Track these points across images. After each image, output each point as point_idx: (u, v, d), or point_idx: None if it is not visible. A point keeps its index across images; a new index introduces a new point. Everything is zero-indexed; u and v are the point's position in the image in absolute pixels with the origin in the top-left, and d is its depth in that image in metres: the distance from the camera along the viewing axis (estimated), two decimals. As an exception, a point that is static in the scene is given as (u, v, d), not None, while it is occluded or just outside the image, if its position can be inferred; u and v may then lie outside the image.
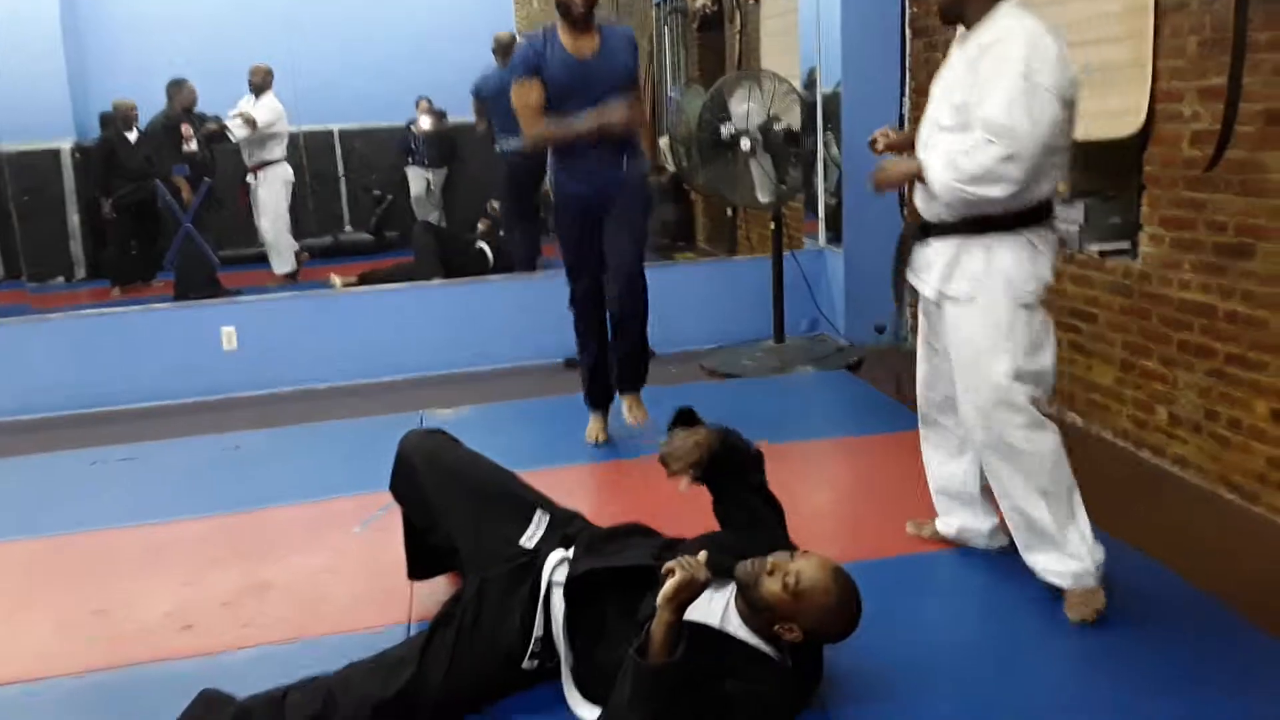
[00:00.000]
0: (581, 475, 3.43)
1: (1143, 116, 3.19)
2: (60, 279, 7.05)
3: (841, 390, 4.30)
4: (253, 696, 1.99)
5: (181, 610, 2.57)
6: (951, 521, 2.73)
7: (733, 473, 2.20)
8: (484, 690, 2.02)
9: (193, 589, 2.69)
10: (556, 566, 2.06)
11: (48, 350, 4.66)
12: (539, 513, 2.22)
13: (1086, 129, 3.45)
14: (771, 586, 1.86)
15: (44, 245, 6.83)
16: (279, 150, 6.87)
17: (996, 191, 2.22)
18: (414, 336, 4.87)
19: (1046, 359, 2.34)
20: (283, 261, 6.97)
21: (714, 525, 2.23)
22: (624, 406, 3.70)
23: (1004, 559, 2.60)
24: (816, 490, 3.31)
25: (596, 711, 1.91)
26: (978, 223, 2.31)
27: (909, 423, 3.70)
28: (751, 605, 1.90)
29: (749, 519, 2.17)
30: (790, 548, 1.99)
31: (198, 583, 2.73)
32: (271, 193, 6.88)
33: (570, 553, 2.08)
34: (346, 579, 2.71)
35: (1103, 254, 3.50)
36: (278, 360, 4.73)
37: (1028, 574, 2.44)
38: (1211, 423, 3.04)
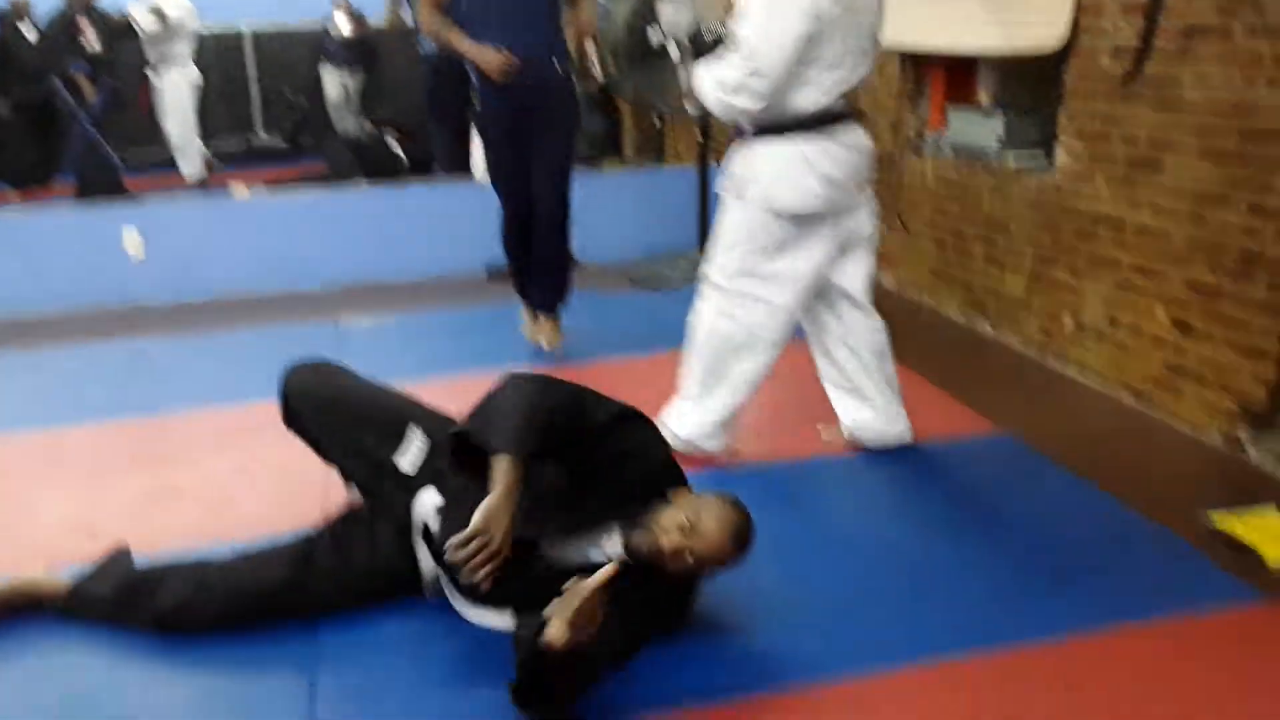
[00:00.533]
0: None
1: (1064, 30, 3.20)
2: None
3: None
4: (140, 570, 2.01)
5: (86, 516, 2.51)
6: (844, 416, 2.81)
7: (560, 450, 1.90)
8: (366, 600, 2.00)
9: (98, 495, 2.63)
10: (429, 513, 1.94)
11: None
12: (410, 428, 2.07)
13: (1007, 42, 3.50)
14: (669, 551, 1.76)
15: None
16: (185, 50, 6.55)
17: (744, 102, 2.38)
18: (330, 245, 4.74)
19: (781, 271, 2.51)
20: (190, 166, 6.71)
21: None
22: (537, 327, 3.66)
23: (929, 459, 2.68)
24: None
25: (490, 615, 1.86)
26: (758, 130, 2.48)
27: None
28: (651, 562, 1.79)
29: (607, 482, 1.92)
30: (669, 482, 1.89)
31: (103, 488, 2.66)
32: (177, 95, 6.58)
33: (440, 499, 1.94)
34: (259, 484, 2.67)
35: (1019, 166, 3.55)
36: (185, 268, 4.57)
37: (941, 472, 2.56)
38: (1114, 329, 3.14)
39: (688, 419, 2.68)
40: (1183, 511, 2.37)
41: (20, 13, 6.32)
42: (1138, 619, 1.95)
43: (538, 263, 3.58)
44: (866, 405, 2.76)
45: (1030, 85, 3.82)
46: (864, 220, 2.63)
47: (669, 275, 4.68)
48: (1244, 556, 2.19)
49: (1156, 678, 1.80)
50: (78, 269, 4.48)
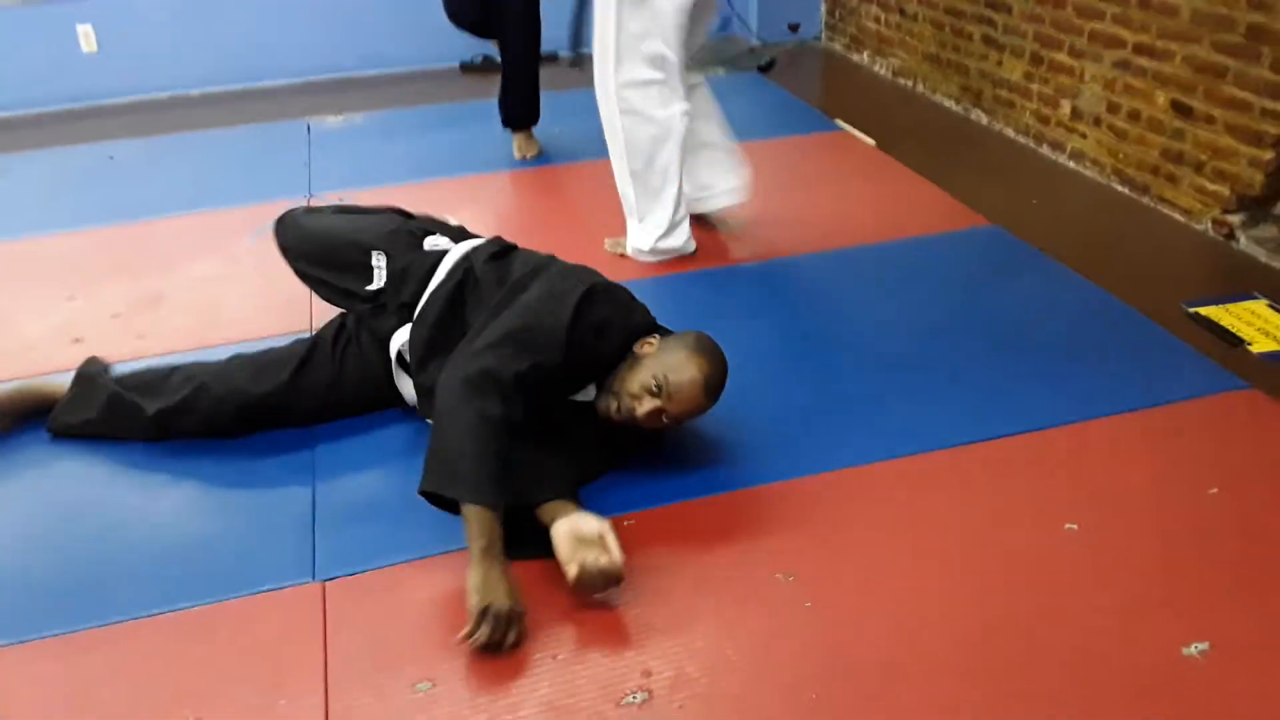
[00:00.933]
0: (500, 182, 3.32)
1: None
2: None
3: (753, 92, 4.16)
4: (133, 374, 2.01)
5: (70, 323, 2.49)
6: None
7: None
8: (358, 406, 2.02)
9: (80, 302, 2.59)
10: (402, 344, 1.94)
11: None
12: (374, 255, 2.00)
13: None
14: (643, 416, 1.72)
15: None
16: None
17: None
18: (295, 36, 4.48)
19: (651, 38, 2.43)
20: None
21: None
22: (514, 141, 3.50)
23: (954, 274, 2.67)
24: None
25: None
26: None
27: (822, 124, 3.67)
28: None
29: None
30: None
31: (85, 296, 2.62)
32: None
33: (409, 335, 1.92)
34: (243, 288, 2.63)
35: (1024, -61, 3.34)
36: (144, 62, 4.33)
37: (928, 264, 2.55)
38: (1111, 115, 3.05)
39: (648, 230, 2.64)
40: (1170, 301, 2.38)
41: None
42: (1121, 410, 1.98)
43: (506, 79, 3.40)
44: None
45: None
46: None
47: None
48: (1229, 347, 2.22)
49: (1133, 460, 1.85)
50: (29, 67, 4.25)
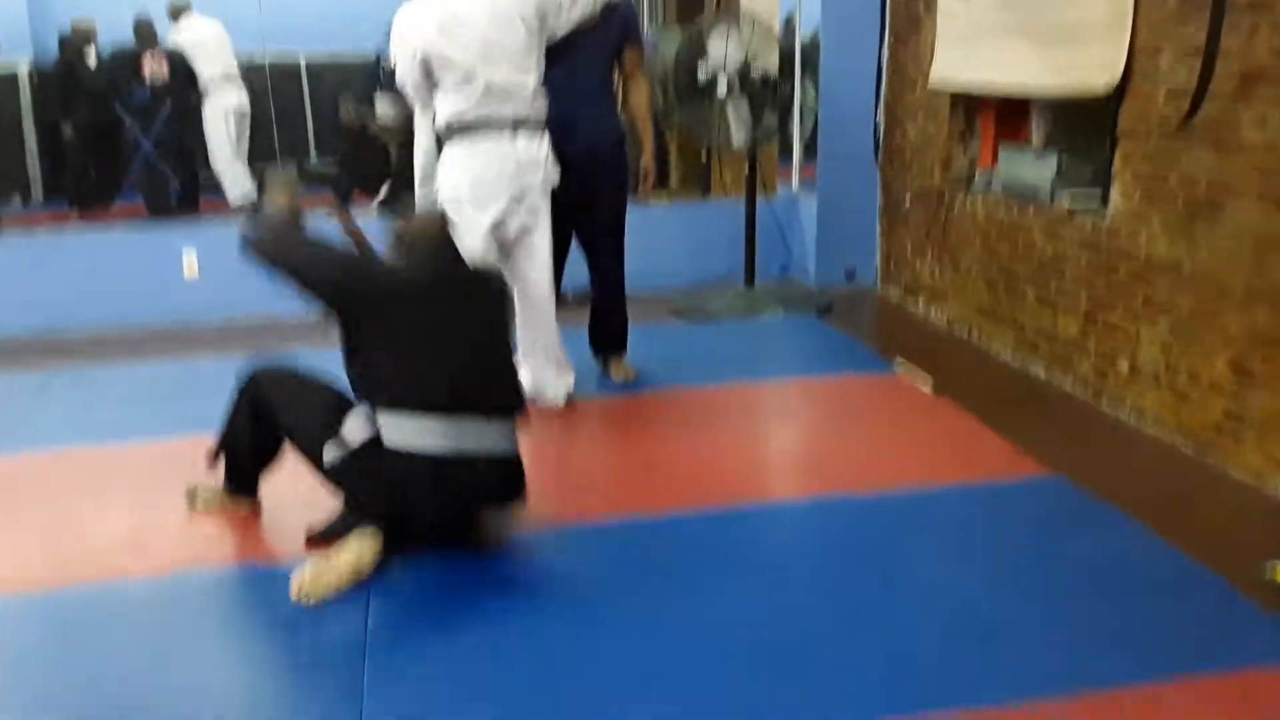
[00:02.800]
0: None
1: (1119, 71, 3.19)
2: (17, 200, 6.87)
3: (810, 334, 4.33)
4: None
5: (135, 531, 2.55)
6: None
7: None
8: None
9: (145, 511, 2.66)
10: None
11: (5, 271, 4.54)
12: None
13: (1060, 83, 3.50)
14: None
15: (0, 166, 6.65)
16: (215, 72, 6.66)
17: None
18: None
19: (470, 241, 2.96)
20: (236, 189, 6.82)
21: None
22: (613, 367, 3.69)
23: (1001, 505, 2.66)
24: (783, 430, 3.35)
25: None
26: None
27: (877, 365, 3.77)
28: None
29: None
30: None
31: (150, 505, 2.69)
32: (213, 121, 6.70)
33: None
34: (310, 503, 2.68)
35: (1072, 212, 3.53)
36: (239, 288, 4.61)
37: (992, 514, 2.50)
38: (1170, 375, 3.10)
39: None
40: (1242, 562, 2.32)
41: (85, 39, 6.51)
42: (1190, 672, 1.90)
43: (601, 314, 3.65)
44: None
45: (1083, 126, 3.81)
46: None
47: (714, 307, 4.70)
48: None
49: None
50: (135, 288, 4.58)
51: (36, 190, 7.05)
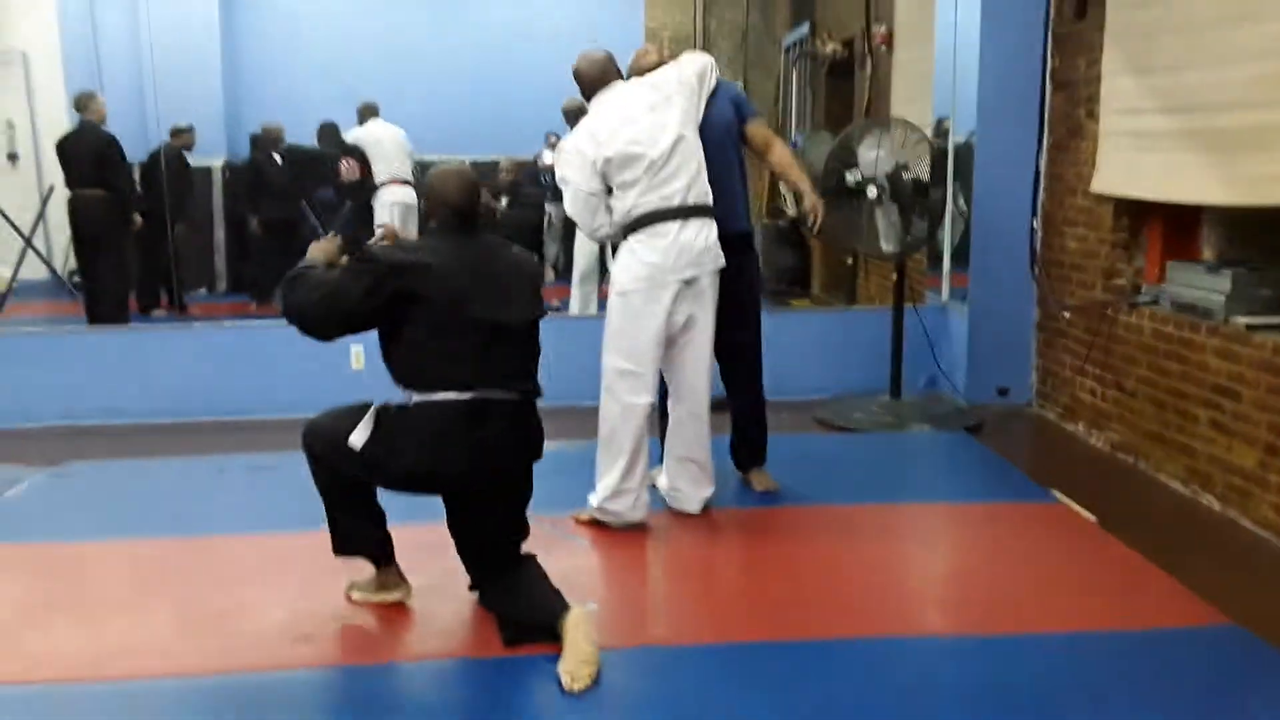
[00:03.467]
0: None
1: (1300, 184, 3.02)
2: (203, 290, 7.45)
3: (960, 453, 4.17)
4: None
5: (297, 620, 2.65)
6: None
7: None
8: None
9: (310, 601, 2.77)
10: None
11: (189, 357, 4.91)
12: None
13: (1240, 194, 3.33)
14: None
15: (191, 258, 7.23)
16: (389, 171, 7.10)
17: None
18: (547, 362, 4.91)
19: (623, 343, 3.14)
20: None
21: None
22: (754, 478, 3.63)
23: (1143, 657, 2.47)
24: (931, 558, 3.21)
25: None
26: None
27: (1032, 493, 3.59)
28: None
29: None
30: None
31: (315, 594, 2.80)
32: (379, 213, 7.12)
33: None
34: (452, 600, 2.74)
35: (1250, 327, 3.32)
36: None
37: (1164, 664, 2.32)
38: (1367, 518, 2.83)
39: (599, 491, 3.21)
40: None
41: (275, 140, 7.09)
42: None
43: (740, 424, 3.58)
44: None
45: (1261, 241, 3.61)
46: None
47: (858, 417, 4.60)
48: None
49: None
50: (305, 379, 4.85)
51: (222, 282, 7.62)
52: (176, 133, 6.66)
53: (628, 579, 3.00)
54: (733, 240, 3.29)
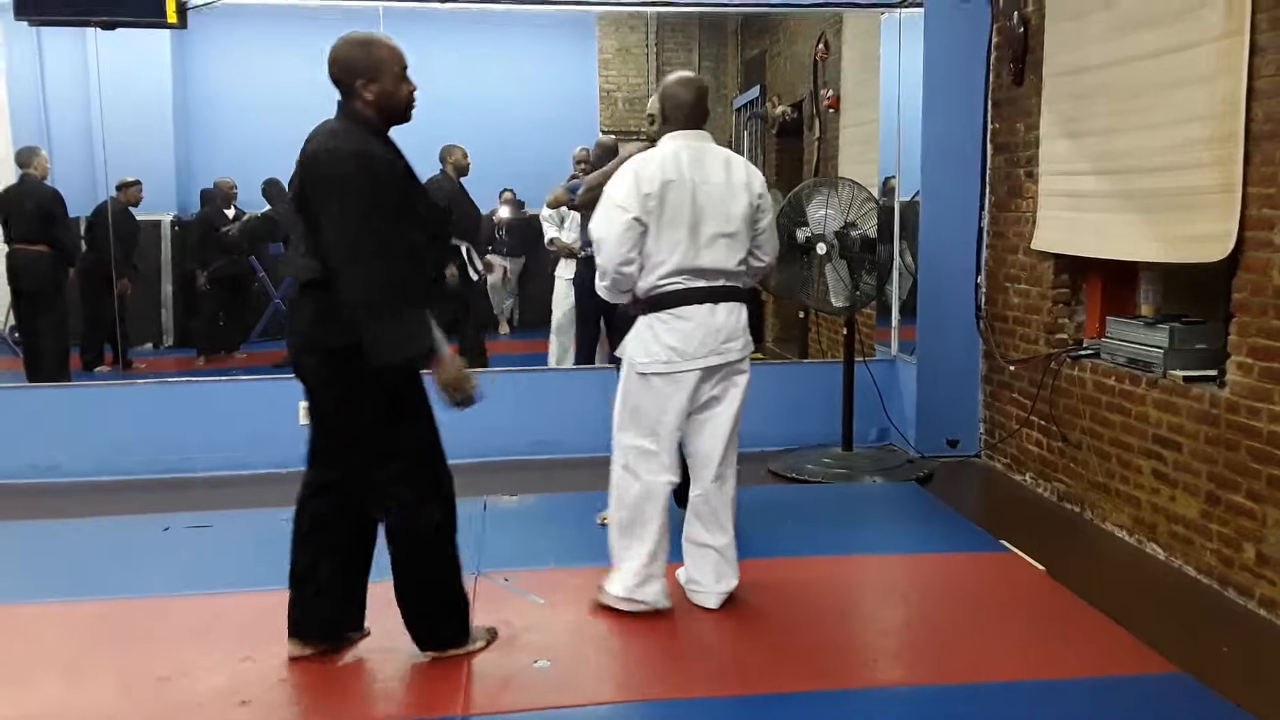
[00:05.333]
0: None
1: (1231, 243, 3.14)
2: (149, 345, 7.32)
3: (911, 504, 4.21)
4: None
5: (239, 685, 2.58)
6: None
7: None
8: None
9: (251, 664, 2.70)
10: None
11: (133, 414, 4.80)
12: None
13: (1171, 252, 3.45)
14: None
15: (138, 312, 7.11)
16: None
17: (600, 282, 2.92)
18: (475, 421, 4.89)
19: (640, 420, 2.93)
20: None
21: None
22: None
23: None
24: (884, 609, 3.23)
25: None
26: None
27: (982, 543, 3.63)
28: None
29: None
30: None
31: (257, 657, 2.74)
32: None
33: None
34: (403, 661, 2.69)
35: (1188, 380, 3.42)
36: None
37: (1112, 714, 2.32)
38: (1304, 564, 2.90)
39: (622, 577, 2.97)
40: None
41: (228, 200, 7.06)
42: None
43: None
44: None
45: (1196, 298, 3.73)
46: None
47: (811, 469, 4.63)
48: None
49: None
50: (253, 434, 4.77)
51: (168, 337, 7.51)
52: (123, 187, 6.59)
53: (581, 634, 2.96)
54: None
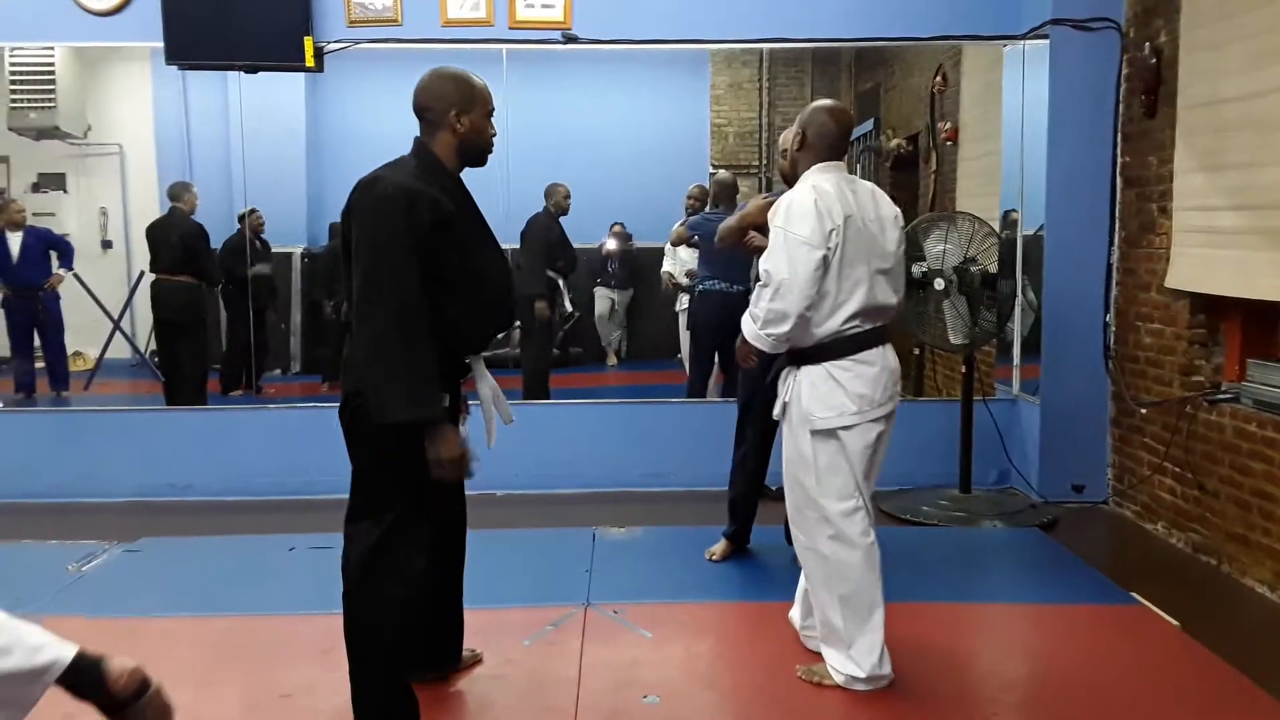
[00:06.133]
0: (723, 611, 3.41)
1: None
2: (279, 371, 7.66)
3: (1033, 551, 4.04)
4: None
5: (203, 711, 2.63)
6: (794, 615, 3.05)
7: None
8: None
9: (261, 690, 2.77)
10: None
11: (262, 437, 5.03)
12: None
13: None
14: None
15: (269, 340, 7.45)
16: None
17: (778, 329, 2.63)
18: (586, 451, 4.96)
19: (838, 480, 2.66)
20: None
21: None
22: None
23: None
24: (1006, 661, 3.10)
25: None
26: (792, 355, 2.75)
27: (1111, 594, 3.46)
28: None
29: None
30: None
31: (273, 683, 2.80)
32: None
33: None
34: (512, 689, 2.72)
35: (1340, 428, 3.21)
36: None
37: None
38: None
39: (861, 656, 2.70)
40: None
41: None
42: None
43: None
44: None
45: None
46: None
47: (927, 511, 4.51)
48: None
49: None
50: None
51: (295, 364, 7.83)
52: (243, 218, 6.87)
53: (690, 670, 2.93)
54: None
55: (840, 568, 2.68)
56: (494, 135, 2.49)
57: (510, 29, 4.88)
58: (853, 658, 2.70)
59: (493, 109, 2.48)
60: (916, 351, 6.27)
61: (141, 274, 6.56)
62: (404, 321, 2.20)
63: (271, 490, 4.88)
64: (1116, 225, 4.59)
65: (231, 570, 3.84)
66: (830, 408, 2.65)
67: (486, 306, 2.44)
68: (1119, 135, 4.55)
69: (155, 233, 6.21)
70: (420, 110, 2.45)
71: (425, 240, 2.25)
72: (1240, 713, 2.62)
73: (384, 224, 2.24)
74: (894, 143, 7.26)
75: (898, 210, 2.85)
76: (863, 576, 2.67)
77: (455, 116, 2.39)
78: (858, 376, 2.65)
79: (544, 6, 4.90)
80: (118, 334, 6.90)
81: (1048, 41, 4.62)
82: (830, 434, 2.66)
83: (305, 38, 4.78)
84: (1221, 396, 3.85)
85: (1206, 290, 3.93)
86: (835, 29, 4.99)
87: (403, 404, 2.20)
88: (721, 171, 6.65)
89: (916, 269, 4.60)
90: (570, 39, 4.88)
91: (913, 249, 4.64)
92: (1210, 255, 3.89)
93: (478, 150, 2.47)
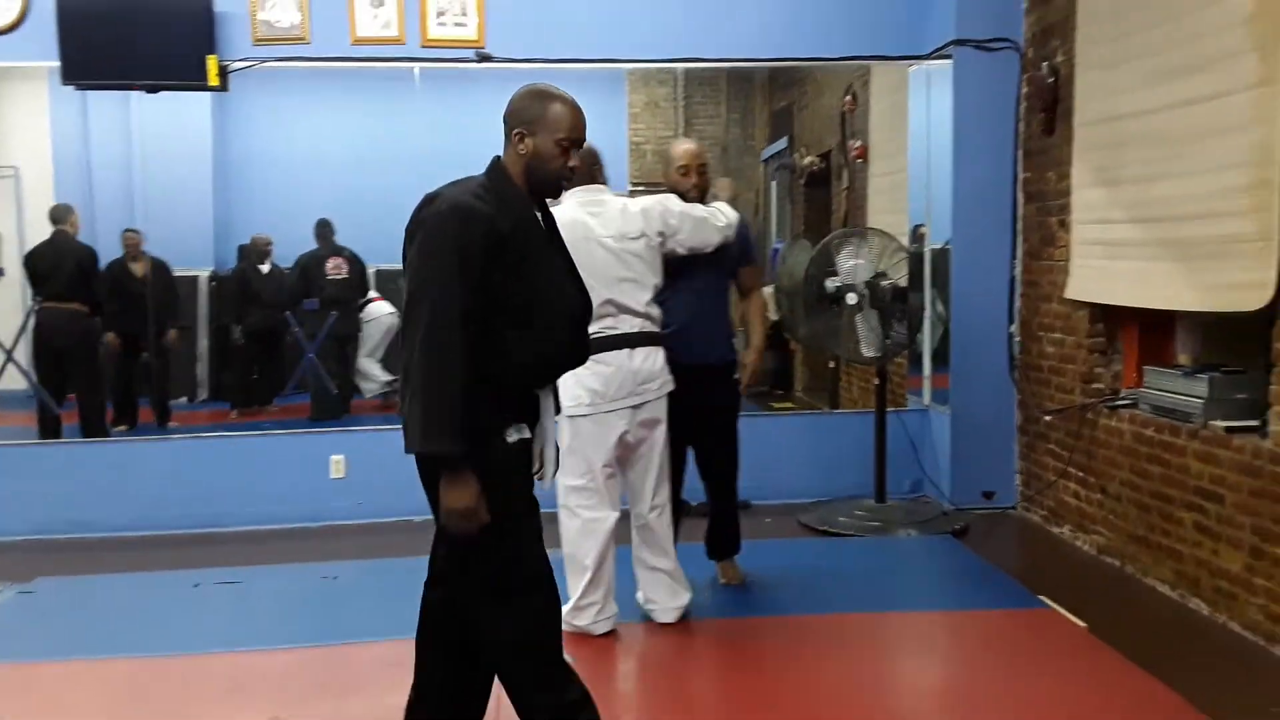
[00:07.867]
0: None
1: (1271, 291, 3.09)
2: (184, 399, 7.41)
3: (947, 558, 4.13)
4: None
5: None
6: None
7: None
8: None
9: (283, 723, 2.68)
10: None
11: (167, 468, 4.84)
12: None
13: (1208, 301, 3.40)
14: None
15: (174, 366, 7.21)
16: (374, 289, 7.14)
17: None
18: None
19: (572, 460, 3.06)
20: (370, 385, 7.16)
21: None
22: (722, 569, 3.71)
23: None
24: (921, 670, 3.16)
25: None
26: None
27: (1021, 599, 3.55)
28: None
29: None
30: None
31: (287, 717, 2.71)
32: (374, 332, 7.12)
33: None
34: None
35: (1229, 430, 3.34)
36: (381, 490, 4.79)
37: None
38: (1359, 623, 2.80)
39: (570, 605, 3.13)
40: None
41: (264, 256, 7.16)
42: None
43: (715, 516, 3.67)
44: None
45: (1236, 347, 3.66)
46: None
47: (843, 521, 4.57)
48: None
49: None
50: (284, 488, 4.79)
51: (202, 391, 7.59)
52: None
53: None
54: (720, 363, 3.51)
55: (564, 531, 3.19)
56: (568, 165, 2.21)
57: (422, 47, 4.84)
58: (570, 606, 3.14)
59: (569, 138, 2.19)
60: (832, 365, 6.37)
61: (39, 302, 6.28)
62: (435, 346, 1.99)
63: (178, 524, 4.69)
64: (1019, 239, 4.74)
65: (133, 609, 3.68)
66: (570, 398, 2.97)
67: (548, 338, 2.16)
68: (1020, 151, 4.71)
69: (42, 259, 5.86)
70: (506, 122, 2.24)
71: (478, 261, 2.05)
72: (1143, 707, 2.70)
73: (432, 242, 2.05)
74: (807, 160, 7.39)
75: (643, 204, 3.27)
76: (578, 543, 3.16)
77: (519, 136, 2.18)
78: (594, 374, 3.04)
79: (456, 25, 4.87)
80: (10, 365, 6.59)
81: (951, 61, 4.77)
82: (569, 420, 3.06)
83: (209, 56, 4.66)
84: (1120, 403, 3.99)
85: (1104, 300, 4.08)
86: (749, 49, 5.08)
87: (417, 435, 2.01)
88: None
89: (830, 284, 4.69)
90: (484, 58, 4.86)
91: (825, 264, 4.72)
92: (1107, 267, 4.04)
93: (542, 178, 2.20)
